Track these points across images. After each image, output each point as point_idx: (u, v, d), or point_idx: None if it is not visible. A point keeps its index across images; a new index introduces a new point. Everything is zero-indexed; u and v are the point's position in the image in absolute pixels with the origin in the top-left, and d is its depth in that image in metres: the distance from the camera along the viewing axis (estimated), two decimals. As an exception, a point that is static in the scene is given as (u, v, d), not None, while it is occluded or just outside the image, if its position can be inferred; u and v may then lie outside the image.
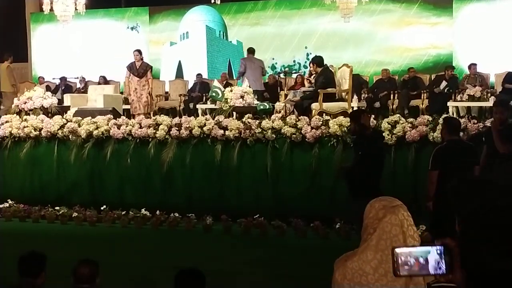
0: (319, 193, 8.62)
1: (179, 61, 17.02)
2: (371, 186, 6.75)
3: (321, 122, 8.76)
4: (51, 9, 13.21)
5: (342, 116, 9.11)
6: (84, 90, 14.55)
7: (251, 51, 12.95)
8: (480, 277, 1.30)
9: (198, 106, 13.78)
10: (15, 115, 10.71)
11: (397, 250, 1.75)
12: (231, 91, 10.18)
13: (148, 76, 11.80)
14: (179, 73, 16.81)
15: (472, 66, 12.67)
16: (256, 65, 12.77)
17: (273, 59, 16.00)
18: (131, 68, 11.86)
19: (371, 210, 2.50)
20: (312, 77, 10.42)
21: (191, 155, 9.21)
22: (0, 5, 16.51)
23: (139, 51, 12.05)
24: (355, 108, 10.77)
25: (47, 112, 10.99)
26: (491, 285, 1.30)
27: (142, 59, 12.02)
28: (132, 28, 17.14)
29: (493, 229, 1.30)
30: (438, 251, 1.70)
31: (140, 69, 11.77)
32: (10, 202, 9.85)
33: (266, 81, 14.33)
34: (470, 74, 12.61)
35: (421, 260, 1.72)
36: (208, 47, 16.68)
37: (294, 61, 15.90)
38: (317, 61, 10.39)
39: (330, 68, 10.43)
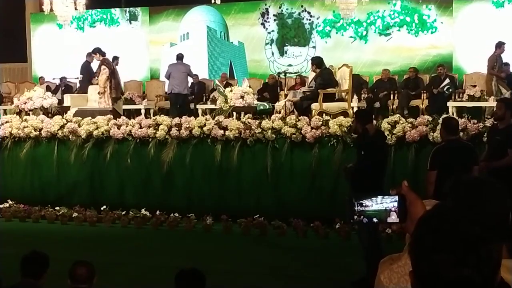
0: (319, 193, 8.61)
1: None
2: (375, 187, 6.72)
3: (321, 122, 8.76)
4: (51, 9, 13.22)
5: (342, 116, 9.10)
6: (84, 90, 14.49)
7: (179, 57, 13.80)
8: (431, 286, 1.29)
9: (198, 106, 13.78)
10: (15, 115, 10.71)
11: (355, 199, 1.76)
12: (231, 91, 10.18)
13: (101, 71, 10.82)
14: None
15: (502, 45, 12.08)
16: (181, 70, 13.52)
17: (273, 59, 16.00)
18: None
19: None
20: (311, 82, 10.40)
21: (191, 155, 9.21)
22: (0, 5, 16.51)
23: (93, 52, 11.27)
24: (355, 109, 10.75)
25: (47, 112, 10.99)
26: None
27: (102, 56, 11.03)
28: (130, 17, 17.09)
29: (447, 236, 1.28)
30: (393, 201, 1.74)
31: (97, 69, 11.26)
32: (10, 202, 9.85)
33: (266, 81, 14.33)
34: (496, 53, 12.08)
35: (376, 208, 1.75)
36: (209, 48, 16.66)
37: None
38: (317, 61, 10.39)
39: (330, 68, 10.42)
